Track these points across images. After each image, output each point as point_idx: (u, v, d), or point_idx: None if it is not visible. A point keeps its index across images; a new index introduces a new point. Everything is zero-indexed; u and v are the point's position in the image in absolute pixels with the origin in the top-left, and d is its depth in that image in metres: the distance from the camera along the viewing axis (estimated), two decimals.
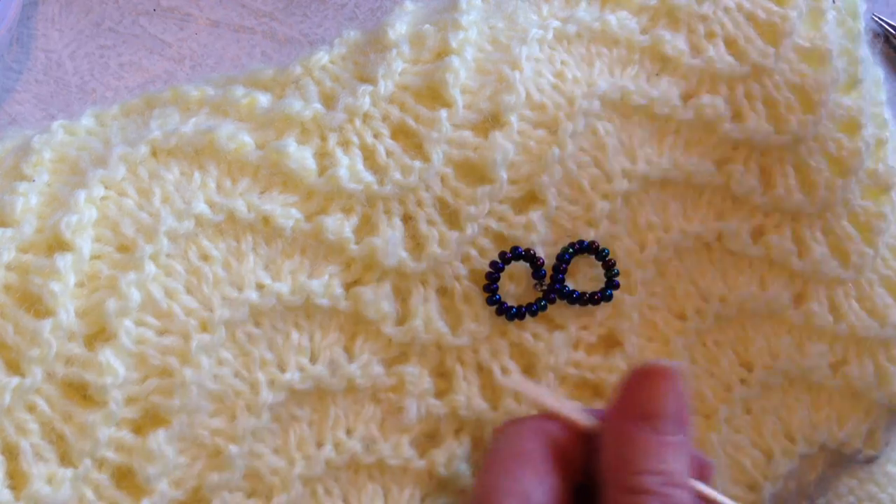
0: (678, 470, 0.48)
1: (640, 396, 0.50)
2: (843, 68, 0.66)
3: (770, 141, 0.64)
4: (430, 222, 0.59)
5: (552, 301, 0.60)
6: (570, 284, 0.61)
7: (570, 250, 0.60)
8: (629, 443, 0.49)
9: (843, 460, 0.67)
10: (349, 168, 0.58)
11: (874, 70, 0.70)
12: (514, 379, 0.56)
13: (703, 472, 0.53)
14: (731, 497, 0.62)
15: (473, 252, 0.59)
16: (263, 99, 0.60)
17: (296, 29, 0.75)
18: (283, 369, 0.57)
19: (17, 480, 0.52)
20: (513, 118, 0.60)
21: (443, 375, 0.60)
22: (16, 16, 0.68)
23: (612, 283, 0.61)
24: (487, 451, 0.53)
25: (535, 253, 0.60)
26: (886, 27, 0.85)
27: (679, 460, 0.49)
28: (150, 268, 0.55)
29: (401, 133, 0.60)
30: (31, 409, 0.53)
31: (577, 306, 0.61)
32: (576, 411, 0.53)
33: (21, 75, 0.70)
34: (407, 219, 0.59)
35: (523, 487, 0.49)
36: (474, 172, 0.60)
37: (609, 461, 0.50)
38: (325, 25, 0.76)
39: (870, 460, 0.67)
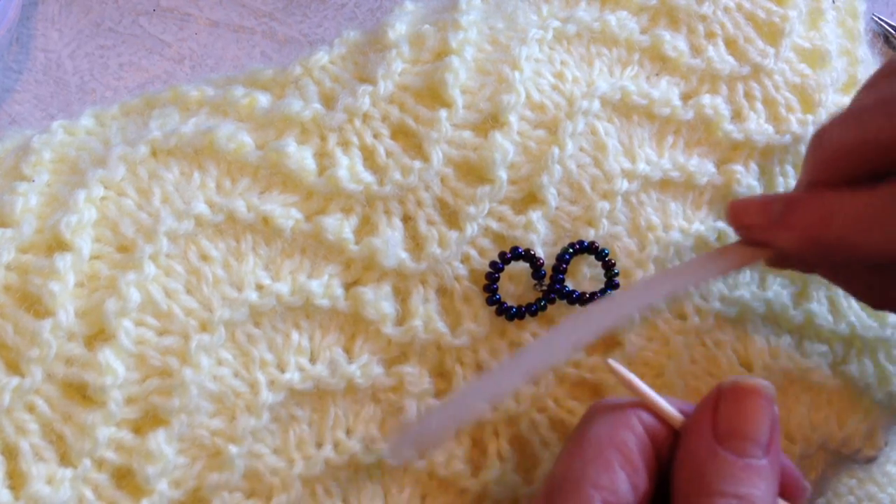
0: (757, 496, 0.46)
1: (729, 413, 0.48)
2: (842, 68, 0.67)
3: (770, 141, 0.65)
4: (430, 222, 0.59)
5: (552, 301, 0.60)
6: (569, 284, 0.60)
7: (570, 250, 0.60)
8: (709, 461, 0.48)
9: (842, 460, 0.66)
10: (349, 168, 0.58)
11: (873, 69, 0.70)
12: (619, 366, 0.52)
13: (795, 495, 0.52)
14: None
15: (473, 252, 0.59)
16: (263, 99, 0.60)
17: (296, 29, 0.75)
18: (282, 369, 0.57)
19: (16, 480, 0.52)
20: (512, 118, 0.60)
21: (442, 375, 0.60)
22: (16, 16, 0.68)
23: (612, 283, 0.61)
24: (576, 433, 0.51)
25: (534, 253, 0.59)
26: (886, 27, 0.85)
27: (760, 486, 0.47)
28: (150, 268, 0.55)
29: (400, 133, 0.60)
30: (31, 409, 0.53)
31: (577, 306, 0.61)
32: (673, 408, 0.51)
33: (21, 75, 0.70)
34: (407, 219, 0.59)
35: (614, 482, 0.48)
36: (474, 172, 0.60)
37: (685, 476, 0.48)
38: (325, 25, 0.76)
39: (869, 460, 0.67)
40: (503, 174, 0.59)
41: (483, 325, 0.59)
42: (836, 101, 0.66)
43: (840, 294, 0.67)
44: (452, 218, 0.59)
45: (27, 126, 0.65)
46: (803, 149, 0.65)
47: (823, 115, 0.65)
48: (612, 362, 0.51)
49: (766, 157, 0.65)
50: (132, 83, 0.72)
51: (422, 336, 0.58)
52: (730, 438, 0.48)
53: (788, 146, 0.65)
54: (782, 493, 0.50)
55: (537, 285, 0.60)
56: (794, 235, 0.51)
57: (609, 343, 0.62)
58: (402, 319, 0.59)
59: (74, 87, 0.71)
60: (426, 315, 0.59)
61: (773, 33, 0.66)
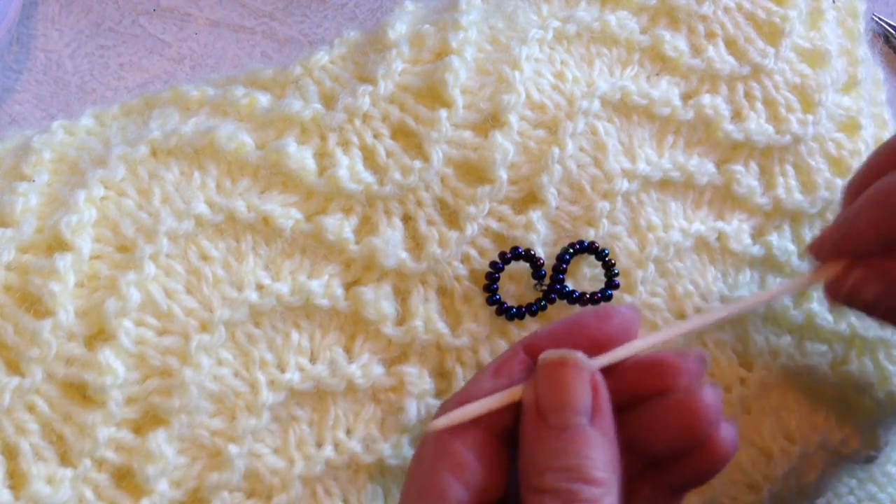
0: (587, 464, 0.46)
1: (544, 388, 0.48)
2: (842, 68, 0.67)
3: (770, 141, 0.65)
4: (430, 222, 0.59)
5: (552, 301, 0.60)
6: (569, 284, 0.61)
7: (570, 250, 0.60)
8: (536, 439, 0.48)
9: (842, 460, 0.67)
10: (349, 168, 0.58)
11: (874, 70, 0.70)
12: (441, 421, 0.50)
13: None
14: (731, 497, 0.62)
15: (473, 252, 0.59)
16: (263, 99, 0.60)
17: (296, 29, 0.75)
18: (282, 369, 0.57)
19: (16, 480, 0.52)
20: (513, 118, 0.60)
21: (442, 375, 0.60)
22: (16, 16, 0.68)
23: (612, 283, 0.61)
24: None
25: (534, 253, 0.59)
26: (886, 27, 0.85)
27: (589, 455, 0.46)
28: (150, 268, 0.55)
29: (401, 133, 0.60)
30: (31, 409, 0.53)
31: (577, 306, 0.61)
32: (499, 397, 0.50)
33: (21, 75, 0.70)
34: (407, 219, 0.59)
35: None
36: (474, 172, 0.60)
37: (522, 458, 0.48)
38: (325, 25, 0.76)
39: (869, 460, 0.67)
40: (503, 174, 0.59)
41: (483, 325, 0.59)
42: (836, 101, 0.66)
43: None
44: (452, 218, 0.59)
45: (27, 126, 0.65)
46: (803, 149, 0.65)
47: (823, 114, 0.65)
48: (437, 423, 0.50)
49: (767, 156, 0.65)
50: (132, 83, 0.72)
51: (422, 336, 0.58)
52: (550, 412, 0.47)
53: (788, 146, 0.65)
54: (658, 381, 0.50)
55: (537, 285, 0.60)
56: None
57: None
58: (402, 319, 0.59)
59: (74, 87, 0.71)
60: (426, 315, 0.59)
61: (773, 33, 0.66)
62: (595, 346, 0.50)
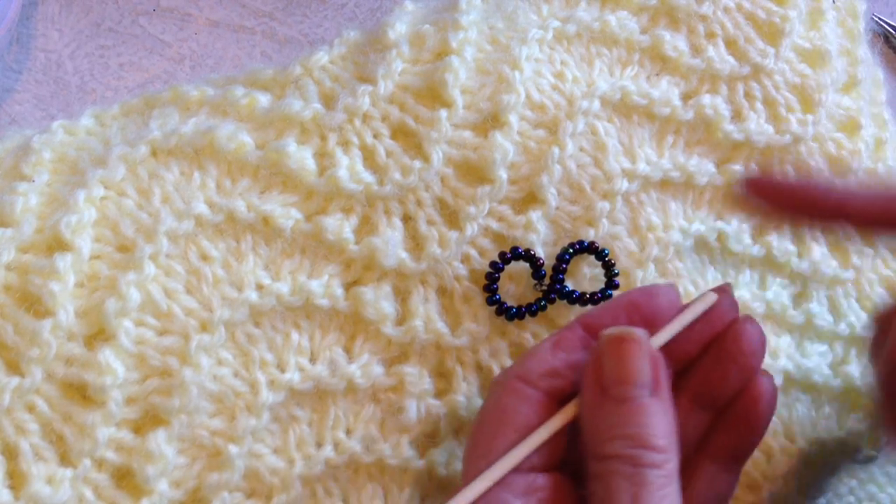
0: (648, 433, 0.48)
1: (608, 363, 0.50)
2: (842, 68, 0.66)
3: (770, 141, 0.65)
4: (430, 222, 0.59)
5: (552, 301, 0.60)
6: (569, 284, 0.60)
7: (570, 250, 0.60)
8: (598, 410, 0.49)
9: (843, 460, 0.66)
10: (349, 168, 0.58)
11: (874, 70, 0.70)
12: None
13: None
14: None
15: (473, 252, 0.59)
16: (263, 99, 0.60)
17: (296, 29, 0.75)
18: (282, 369, 0.57)
19: (16, 480, 0.52)
20: (512, 118, 0.59)
21: (443, 375, 0.60)
22: (16, 16, 0.68)
23: (612, 283, 0.61)
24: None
25: (534, 253, 0.59)
26: (886, 27, 0.85)
27: (650, 424, 0.48)
28: (150, 268, 0.55)
29: (400, 133, 0.60)
30: (31, 409, 0.53)
31: (577, 306, 0.61)
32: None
33: (21, 75, 0.70)
34: (407, 219, 0.59)
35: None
36: (474, 172, 0.60)
37: (585, 430, 0.50)
38: (325, 25, 0.76)
39: (869, 460, 0.67)
40: (503, 174, 0.59)
41: (483, 325, 0.59)
42: (836, 101, 0.66)
43: (840, 294, 0.67)
44: (452, 218, 0.59)
45: (27, 126, 0.65)
46: (803, 149, 0.65)
47: (823, 115, 0.65)
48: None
49: (767, 157, 0.65)
50: (132, 83, 0.72)
51: (422, 336, 0.58)
52: (613, 385, 0.49)
53: (788, 146, 0.65)
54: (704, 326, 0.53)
55: (537, 285, 0.60)
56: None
57: None
58: (402, 319, 0.59)
59: (74, 87, 0.71)
60: (426, 315, 0.59)
61: (773, 33, 0.66)
62: (647, 322, 0.53)
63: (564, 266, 0.60)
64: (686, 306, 0.54)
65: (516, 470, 0.50)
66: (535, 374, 0.52)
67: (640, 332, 0.50)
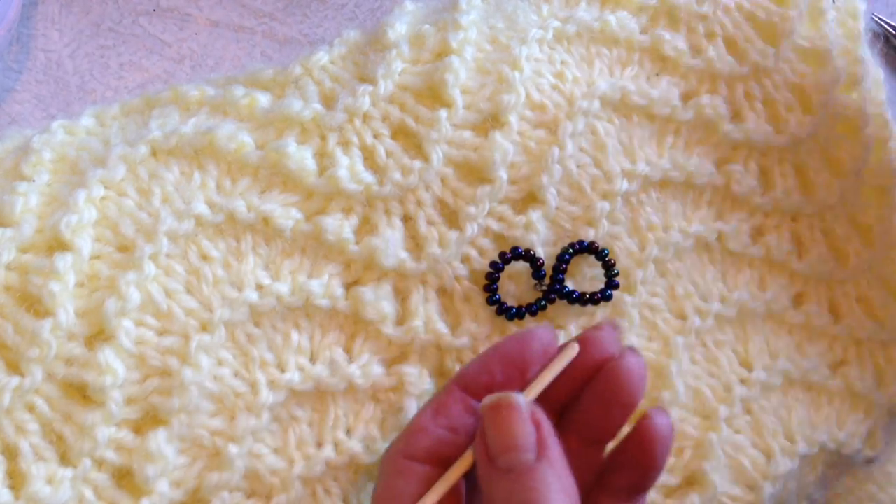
0: (536, 497, 0.47)
1: (490, 434, 0.49)
2: (843, 68, 0.66)
3: (770, 141, 0.65)
4: (430, 222, 0.59)
5: (552, 301, 0.60)
6: (569, 284, 0.61)
7: (570, 250, 0.60)
8: (492, 484, 0.49)
9: (842, 460, 0.67)
10: (349, 168, 0.58)
11: (874, 70, 0.70)
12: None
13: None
14: (730, 497, 0.62)
15: (473, 252, 0.59)
16: (263, 99, 0.60)
17: (296, 29, 0.75)
18: (282, 369, 0.57)
19: (16, 480, 0.52)
20: (512, 118, 0.60)
21: (443, 375, 0.60)
22: (16, 16, 0.68)
23: (611, 283, 0.61)
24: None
25: (534, 253, 0.59)
26: (886, 27, 0.85)
27: (540, 488, 0.47)
28: (150, 268, 0.55)
29: (401, 133, 0.60)
30: (31, 409, 0.53)
31: (577, 306, 0.61)
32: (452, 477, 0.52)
33: (21, 75, 0.70)
34: (407, 219, 0.59)
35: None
36: (474, 172, 0.60)
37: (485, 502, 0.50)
38: (325, 25, 0.76)
39: (869, 461, 0.67)
40: (503, 174, 0.59)
41: (483, 325, 0.59)
42: (836, 100, 0.66)
43: (840, 294, 0.67)
44: (452, 218, 0.59)
45: (27, 126, 0.65)
46: (803, 149, 0.65)
47: (823, 115, 0.65)
48: None
49: (766, 156, 0.65)
50: (132, 83, 0.72)
51: (422, 336, 0.58)
52: (499, 455, 0.49)
53: (788, 146, 0.65)
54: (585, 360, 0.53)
55: (537, 285, 0.60)
56: None
57: None
58: (402, 319, 0.59)
59: (74, 87, 0.71)
60: (426, 315, 0.59)
61: (773, 33, 0.66)
62: (521, 370, 0.52)
63: (564, 266, 0.60)
64: (559, 351, 0.53)
65: None
66: (421, 449, 0.51)
67: (516, 398, 0.50)
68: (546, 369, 0.52)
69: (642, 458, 0.53)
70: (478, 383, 0.52)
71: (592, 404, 0.53)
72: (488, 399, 0.50)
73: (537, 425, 0.49)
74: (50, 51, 0.71)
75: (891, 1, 0.86)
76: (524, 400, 0.50)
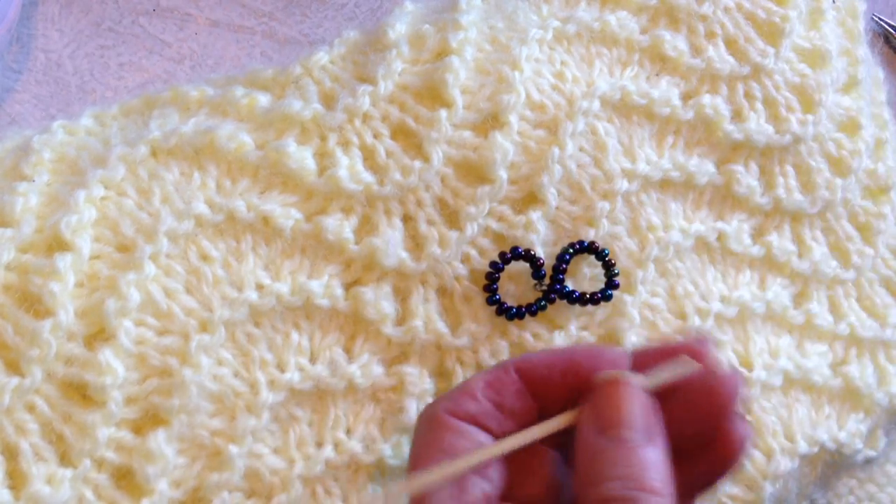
0: (646, 475, 0.48)
1: (602, 405, 0.50)
2: (842, 68, 0.67)
3: (770, 141, 0.65)
4: (430, 222, 0.59)
5: (552, 301, 0.60)
6: (569, 284, 0.60)
7: (570, 250, 0.60)
8: (595, 451, 0.49)
9: (843, 460, 0.67)
10: (349, 168, 0.58)
11: (874, 70, 0.70)
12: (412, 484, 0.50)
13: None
14: (730, 496, 0.62)
15: (473, 252, 0.59)
16: (263, 99, 0.60)
17: (296, 29, 0.75)
18: (282, 369, 0.57)
19: (16, 480, 0.52)
20: (512, 118, 0.59)
21: (442, 375, 0.60)
22: (16, 16, 0.68)
23: (611, 284, 0.61)
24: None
25: (534, 253, 0.59)
26: (886, 27, 0.85)
27: (647, 465, 0.48)
28: (150, 268, 0.55)
29: (400, 133, 0.60)
30: (31, 409, 0.53)
31: (577, 306, 0.61)
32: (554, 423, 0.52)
33: (21, 75, 0.70)
34: (407, 219, 0.59)
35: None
36: (474, 172, 0.60)
37: (579, 477, 0.50)
38: (325, 25, 0.76)
39: (869, 460, 0.67)
40: (503, 174, 0.59)
41: (483, 325, 0.59)
42: (836, 101, 0.66)
43: (840, 294, 0.67)
44: (452, 218, 0.59)
45: (27, 126, 0.65)
46: (803, 149, 0.65)
47: (823, 115, 0.65)
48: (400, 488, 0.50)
49: (767, 156, 0.65)
50: (132, 83, 0.72)
51: (422, 336, 0.58)
52: (610, 427, 0.49)
53: (788, 146, 0.65)
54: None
55: (537, 285, 0.60)
56: None
57: (609, 343, 0.62)
58: (402, 319, 0.59)
59: (74, 87, 0.71)
60: (426, 315, 0.59)
61: (773, 33, 0.66)
62: (582, 383, 0.52)
63: (564, 266, 0.60)
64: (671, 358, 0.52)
65: None
66: (466, 413, 0.51)
67: (634, 378, 0.51)
68: (662, 370, 0.52)
69: (719, 461, 0.53)
70: (536, 375, 0.52)
71: (681, 408, 0.52)
72: (605, 373, 0.51)
73: (647, 409, 0.50)
74: (50, 51, 0.71)
75: (891, 1, 0.86)
76: (640, 381, 0.51)
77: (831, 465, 0.67)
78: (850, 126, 0.67)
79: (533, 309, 0.60)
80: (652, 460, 0.48)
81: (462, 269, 0.59)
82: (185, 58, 0.73)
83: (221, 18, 0.75)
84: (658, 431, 0.50)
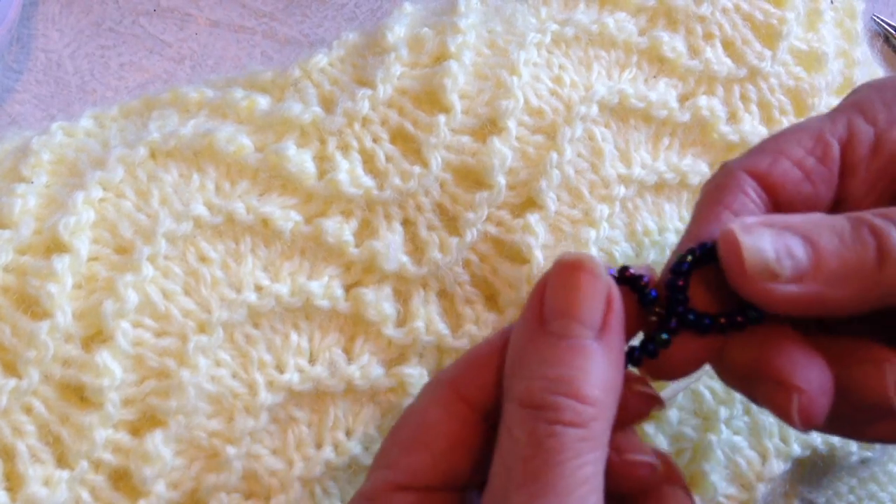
0: (579, 377, 0.41)
1: (553, 292, 0.43)
2: (838, 70, 0.66)
3: None
4: (431, 227, 0.59)
5: (675, 332, 0.45)
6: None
7: (689, 258, 0.45)
8: (529, 343, 0.43)
9: (841, 460, 0.67)
10: (349, 172, 0.58)
11: (873, 69, 0.70)
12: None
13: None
14: (726, 496, 0.62)
15: (473, 257, 0.59)
16: (262, 101, 0.60)
17: (296, 29, 0.75)
18: (281, 370, 0.57)
19: (13, 482, 0.52)
20: (511, 124, 0.59)
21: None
22: (16, 16, 0.68)
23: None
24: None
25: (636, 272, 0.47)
26: (886, 27, 0.85)
27: (583, 368, 0.41)
28: (148, 269, 0.55)
29: (399, 137, 0.60)
30: (28, 410, 0.53)
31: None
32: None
33: (21, 75, 0.70)
34: (407, 223, 0.59)
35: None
36: (472, 178, 0.60)
37: (506, 368, 0.44)
38: (324, 25, 0.76)
39: (864, 461, 0.67)
40: (501, 179, 0.59)
41: (484, 328, 0.59)
42: (829, 103, 0.66)
43: None
44: (452, 223, 0.59)
45: (27, 126, 0.65)
46: None
47: None
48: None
49: None
50: (132, 83, 0.72)
51: (423, 338, 0.58)
52: (552, 319, 0.43)
53: None
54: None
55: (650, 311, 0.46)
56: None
57: None
58: (403, 321, 0.59)
59: (75, 87, 0.71)
60: (427, 317, 0.59)
61: (770, 35, 0.66)
62: None
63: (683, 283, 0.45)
64: None
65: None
66: (469, 386, 0.46)
67: (597, 262, 0.44)
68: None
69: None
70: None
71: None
72: (568, 255, 0.44)
73: (609, 303, 0.43)
74: (50, 51, 0.71)
75: (891, 1, 0.86)
76: (608, 272, 0.44)
77: (831, 464, 0.66)
78: None
79: (650, 348, 0.46)
80: (593, 363, 0.42)
81: (464, 275, 0.59)
82: (185, 58, 0.73)
83: (221, 18, 0.75)
84: (613, 331, 0.43)
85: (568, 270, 0.44)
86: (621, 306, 0.44)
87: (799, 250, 0.42)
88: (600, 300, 0.43)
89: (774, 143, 0.48)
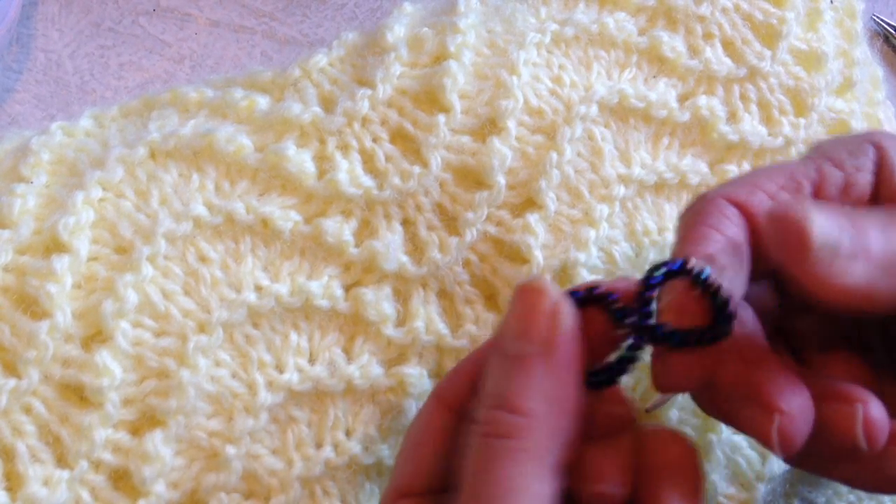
0: (513, 391, 0.42)
1: (506, 317, 0.45)
2: (838, 70, 0.66)
3: (764, 143, 0.65)
4: (430, 227, 0.59)
5: (640, 347, 0.46)
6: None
7: (656, 273, 0.46)
8: (486, 370, 0.45)
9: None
10: (349, 172, 0.58)
11: (873, 69, 0.70)
12: None
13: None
14: (726, 496, 0.62)
15: (473, 257, 0.59)
16: (262, 101, 0.60)
17: (296, 29, 0.75)
18: (281, 370, 0.57)
19: (13, 482, 0.52)
20: (510, 124, 0.59)
21: (441, 377, 0.59)
22: (16, 16, 0.68)
23: (724, 315, 0.44)
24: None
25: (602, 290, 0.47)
26: (886, 27, 0.84)
27: (520, 382, 0.42)
28: (148, 269, 0.55)
29: (399, 137, 0.60)
30: (28, 410, 0.53)
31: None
32: None
33: (21, 75, 0.70)
34: (406, 223, 0.59)
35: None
36: (472, 178, 0.60)
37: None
38: (324, 25, 0.76)
39: None
40: (501, 179, 0.59)
41: (484, 328, 0.59)
42: (828, 103, 0.66)
43: None
44: (451, 223, 0.59)
45: (27, 126, 0.65)
46: (794, 151, 0.65)
47: (815, 118, 0.65)
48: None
49: (760, 158, 0.65)
50: (132, 83, 0.72)
51: (423, 337, 0.58)
52: (504, 340, 0.44)
53: (781, 149, 0.65)
54: None
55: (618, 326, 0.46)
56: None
57: None
58: (402, 320, 0.59)
59: (74, 87, 0.71)
60: (427, 316, 0.59)
61: (770, 35, 0.66)
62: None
63: (651, 294, 0.46)
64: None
65: None
66: (453, 397, 0.49)
67: (545, 282, 0.45)
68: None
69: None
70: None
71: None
72: (528, 279, 0.47)
73: (552, 319, 0.44)
74: (50, 51, 0.71)
75: (891, 1, 0.86)
76: (555, 290, 0.44)
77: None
78: (840, 129, 0.67)
79: (620, 366, 0.46)
80: (531, 376, 0.43)
81: (463, 275, 0.59)
82: (185, 58, 0.73)
83: (221, 18, 0.75)
84: (561, 348, 0.43)
85: (518, 293, 0.45)
86: (571, 323, 0.44)
87: (850, 231, 0.42)
88: (547, 318, 0.44)
89: (749, 178, 0.50)
